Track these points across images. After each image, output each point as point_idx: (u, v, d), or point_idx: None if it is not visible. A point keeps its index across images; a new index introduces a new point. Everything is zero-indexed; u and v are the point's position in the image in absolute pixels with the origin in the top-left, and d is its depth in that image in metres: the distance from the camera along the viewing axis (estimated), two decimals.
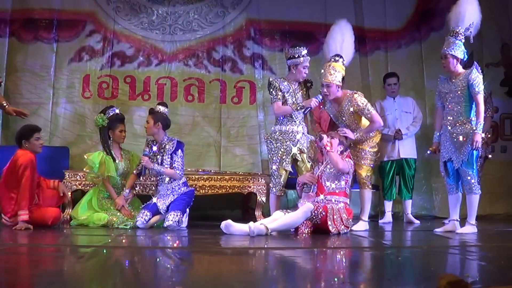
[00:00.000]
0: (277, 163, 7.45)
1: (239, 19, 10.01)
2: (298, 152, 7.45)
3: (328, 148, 6.90)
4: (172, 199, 7.39)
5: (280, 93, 7.43)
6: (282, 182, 7.47)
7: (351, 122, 7.43)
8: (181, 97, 9.71)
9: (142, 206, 7.46)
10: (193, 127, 9.47)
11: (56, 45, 9.56)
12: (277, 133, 7.49)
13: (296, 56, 7.45)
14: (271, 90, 7.51)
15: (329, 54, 7.60)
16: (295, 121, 7.49)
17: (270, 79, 7.66)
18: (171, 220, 7.12)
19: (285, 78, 7.60)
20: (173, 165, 7.51)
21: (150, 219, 7.25)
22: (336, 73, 7.32)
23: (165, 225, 7.17)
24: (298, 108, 7.39)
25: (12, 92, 9.33)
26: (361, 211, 7.61)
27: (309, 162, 7.49)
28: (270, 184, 7.63)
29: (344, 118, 7.44)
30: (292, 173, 7.70)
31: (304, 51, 7.47)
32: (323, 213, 6.65)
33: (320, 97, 7.37)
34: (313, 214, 6.65)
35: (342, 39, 7.69)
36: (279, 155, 7.43)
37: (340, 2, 10.05)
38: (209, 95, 9.77)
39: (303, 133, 7.53)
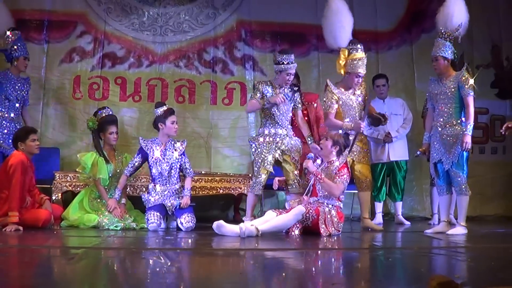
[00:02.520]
0: (259, 163, 7.47)
1: (230, 21, 10.01)
2: (281, 154, 7.48)
3: (319, 177, 6.84)
4: (178, 202, 7.40)
5: (258, 93, 7.51)
6: (263, 182, 7.49)
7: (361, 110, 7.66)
8: (172, 98, 9.68)
9: (150, 207, 7.39)
10: (184, 128, 9.43)
11: (46, 46, 9.55)
12: (262, 135, 7.54)
13: (281, 63, 7.49)
14: (254, 90, 7.63)
15: (347, 40, 7.77)
16: (279, 124, 7.53)
17: (255, 82, 7.83)
18: (189, 222, 7.21)
19: (271, 82, 7.66)
20: (184, 166, 7.60)
21: (161, 220, 7.29)
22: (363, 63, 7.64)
23: (182, 227, 7.20)
24: (265, 103, 7.45)
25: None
26: (364, 212, 7.72)
27: (294, 163, 7.50)
28: (249, 183, 7.69)
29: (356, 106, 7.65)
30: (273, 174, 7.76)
31: (291, 58, 7.49)
32: (315, 216, 6.66)
33: (289, 94, 7.48)
34: (305, 217, 6.65)
35: (349, 23, 7.83)
36: (262, 155, 7.45)
37: None
38: (200, 96, 9.77)
39: (287, 136, 7.56)
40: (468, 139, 6.94)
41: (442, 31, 7.20)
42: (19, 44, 8.38)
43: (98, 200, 7.59)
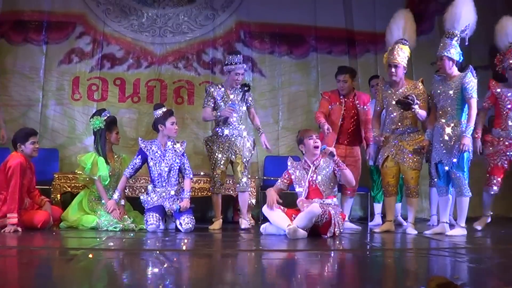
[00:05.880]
0: (213, 164, 7.78)
1: (229, 22, 10.01)
2: (233, 154, 7.75)
3: (341, 165, 6.91)
4: (177, 206, 7.38)
5: (211, 100, 7.83)
6: (220, 181, 7.77)
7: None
8: (171, 99, 9.69)
9: (149, 208, 7.41)
10: (183, 129, 9.41)
11: (45, 47, 9.54)
12: (214, 136, 7.87)
13: (230, 63, 7.80)
14: (205, 95, 7.95)
15: (392, 40, 7.69)
16: (231, 125, 7.79)
17: (206, 86, 8.21)
18: (189, 223, 7.22)
19: (223, 84, 7.95)
20: (183, 168, 7.60)
21: (160, 222, 7.30)
22: (404, 54, 7.46)
23: (181, 228, 7.22)
24: (217, 116, 7.75)
25: (1, 93, 9.30)
26: (410, 217, 7.62)
27: (243, 163, 7.76)
28: (210, 184, 7.99)
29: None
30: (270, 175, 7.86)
31: (238, 59, 7.80)
32: (327, 218, 6.64)
33: (237, 107, 7.75)
34: (319, 218, 6.62)
35: (404, 25, 7.77)
36: (215, 156, 7.76)
37: (330, 4, 10.08)
38: (199, 97, 9.74)
39: (239, 136, 7.82)
40: (466, 141, 6.93)
41: (450, 31, 7.17)
42: None
43: (97, 201, 7.59)
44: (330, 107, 8.23)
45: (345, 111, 8.17)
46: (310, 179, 6.99)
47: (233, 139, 7.76)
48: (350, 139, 8.18)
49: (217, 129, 7.82)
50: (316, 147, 7.01)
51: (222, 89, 7.86)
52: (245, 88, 7.93)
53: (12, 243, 5.99)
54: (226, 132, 7.76)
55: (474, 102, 7.00)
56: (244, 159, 7.76)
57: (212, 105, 7.84)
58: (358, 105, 8.22)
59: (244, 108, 8.01)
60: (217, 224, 7.69)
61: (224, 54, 9.86)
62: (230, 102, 7.77)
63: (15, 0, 9.50)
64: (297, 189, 7.09)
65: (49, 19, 9.58)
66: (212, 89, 7.84)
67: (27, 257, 5.07)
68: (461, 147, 6.91)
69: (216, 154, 7.74)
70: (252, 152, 7.98)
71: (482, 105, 7.98)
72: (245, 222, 7.74)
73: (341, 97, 8.24)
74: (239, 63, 7.78)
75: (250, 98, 8.03)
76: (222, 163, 7.72)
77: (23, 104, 9.36)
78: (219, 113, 7.70)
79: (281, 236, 6.66)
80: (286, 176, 7.18)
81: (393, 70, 7.42)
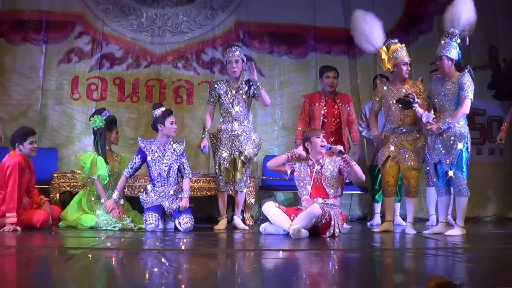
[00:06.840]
0: (218, 161, 7.73)
1: (228, 21, 10.01)
2: (237, 151, 7.68)
3: (350, 161, 6.90)
4: (177, 206, 7.36)
5: (214, 96, 7.86)
6: (225, 180, 7.73)
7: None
8: (170, 99, 9.68)
9: (148, 208, 7.38)
10: (182, 129, 9.41)
11: (45, 46, 9.53)
12: (219, 132, 7.78)
13: (225, 56, 7.92)
14: (209, 91, 8.04)
15: (381, 40, 7.73)
16: (236, 120, 7.74)
17: (212, 82, 8.26)
18: (188, 223, 7.20)
19: (227, 80, 7.93)
20: (183, 167, 7.57)
21: (159, 221, 7.29)
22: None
23: (180, 228, 7.20)
24: (205, 129, 7.80)
25: (0, 93, 9.30)
26: (409, 217, 7.62)
27: (245, 162, 7.70)
28: (216, 182, 7.89)
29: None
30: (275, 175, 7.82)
31: (230, 50, 7.84)
32: (327, 219, 6.64)
33: (206, 149, 7.72)
34: (319, 219, 6.61)
35: (378, 24, 7.82)
36: (220, 153, 7.70)
37: (329, 4, 10.07)
38: (198, 97, 9.75)
39: (244, 132, 7.76)
40: (434, 128, 6.97)
41: (449, 31, 7.16)
42: None
43: (97, 200, 7.58)
44: (310, 108, 8.24)
45: (327, 111, 8.16)
46: (316, 176, 6.97)
47: (237, 135, 7.70)
48: (334, 138, 8.12)
49: (222, 125, 7.76)
50: (323, 146, 7.00)
51: (226, 84, 7.82)
52: (250, 83, 7.85)
53: (11, 243, 5.98)
54: (231, 128, 7.71)
55: (467, 103, 6.98)
56: (243, 157, 7.66)
57: (216, 101, 7.85)
58: (340, 104, 8.20)
59: (250, 103, 7.96)
60: (222, 224, 7.66)
61: (223, 54, 9.87)
62: (236, 97, 7.76)
63: None
64: (300, 186, 7.07)
65: (49, 19, 9.57)
66: (216, 85, 7.83)
67: (26, 256, 5.07)
68: (423, 128, 6.98)
69: (221, 150, 7.68)
70: (258, 148, 7.87)
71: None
72: (239, 221, 7.80)
73: (322, 97, 8.23)
74: (232, 52, 7.77)
75: (256, 92, 7.84)
76: (226, 160, 7.66)
77: (22, 103, 9.35)
78: (206, 130, 7.76)
79: (280, 235, 6.66)
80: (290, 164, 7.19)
81: (407, 67, 7.51)
